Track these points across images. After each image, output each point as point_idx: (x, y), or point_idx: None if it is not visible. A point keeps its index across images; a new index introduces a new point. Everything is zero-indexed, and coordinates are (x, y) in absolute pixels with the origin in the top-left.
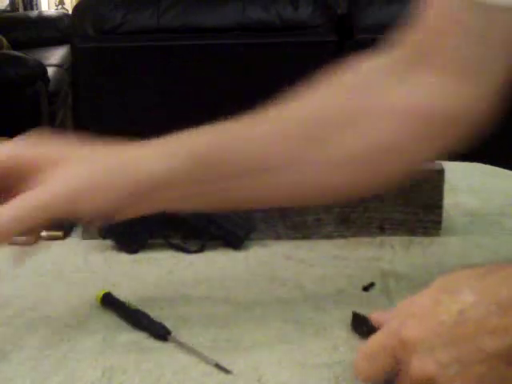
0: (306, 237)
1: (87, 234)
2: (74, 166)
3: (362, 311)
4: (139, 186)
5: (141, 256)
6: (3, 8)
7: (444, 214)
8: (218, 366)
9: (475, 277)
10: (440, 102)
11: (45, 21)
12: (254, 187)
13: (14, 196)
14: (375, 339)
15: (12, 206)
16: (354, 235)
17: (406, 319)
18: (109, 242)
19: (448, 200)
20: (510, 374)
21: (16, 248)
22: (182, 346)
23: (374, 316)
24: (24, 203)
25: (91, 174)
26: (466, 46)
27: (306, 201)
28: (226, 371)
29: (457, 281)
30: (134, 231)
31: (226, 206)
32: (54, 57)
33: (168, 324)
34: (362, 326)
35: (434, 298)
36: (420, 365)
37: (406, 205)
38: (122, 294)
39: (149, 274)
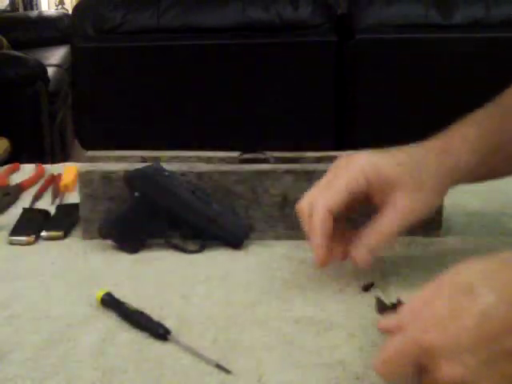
0: (306, 237)
1: (87, 234)
2: (409, 197)
3: (362, 311)
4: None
5: (141, 256)
6: (3, 8)
7: (444, 214)
8: (218, 366)
9: (489, 273)
10: None
11: (45, 21)
12: None
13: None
14: (396, 345)
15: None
16: None
17: (427, 326)
18: (109, 242)
19: (448, 200)
20: None
21: (16, 248)
22: (182, 345)
23: (383, 323)
24: (380, 232)
25: (422, 210)
26: None
27: None
28: (226, 371)
29: (470, 278)
30: (134, 231)
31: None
32: (54, 57)
33: (168, 324)
34: (386, 310)
35: (453, 302)
36: (448, 370)
37: None
38: (122, 294)
39: (149, 273)
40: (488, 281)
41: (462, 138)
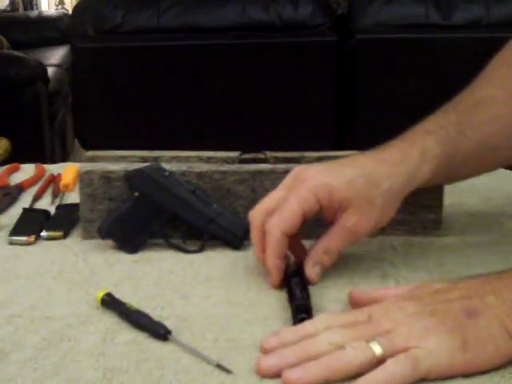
0: (306, 237)
1: (87, 234)
2: (357, 216)
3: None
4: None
5: (141, 256)
6: (3, 8)
7: (444, 214)
8: (219, 366)
9: None
10: None
11: (45, 21)
12: (481, 163)
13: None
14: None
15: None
16: None
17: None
18: (109, 242)
19: (448, 200)
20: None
21: (16, 248)
22: (182, 346)
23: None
24: (325, 249)
25: (369, 228)
26: None
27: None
28: (227, 371)
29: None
30: (134, 231)
31: (463, 179)
32: (54, 57)
33: (168, 324)
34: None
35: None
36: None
37: (406, 205)
38: (122, 294)
39: (149, 274)
40: None
41: (420, 147)
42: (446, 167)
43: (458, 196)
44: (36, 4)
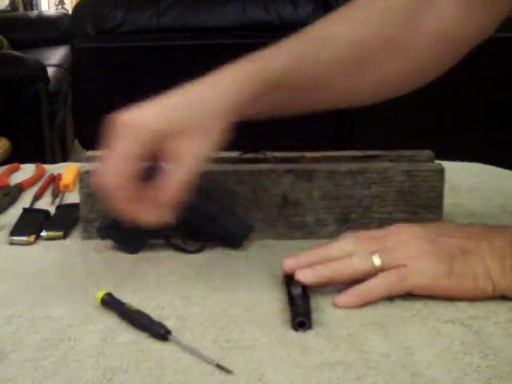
0: (305, 237)
1: (87, 234)
2: (195, 139)
3: (363, 311)
4: (230, 117)
5: (141, 256)
6: (3, 8)
7: (444, 214)
8: (219, 366)
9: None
10: (458, 26)
11: (45, 21)
12: (314, 99)
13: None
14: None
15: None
16: None
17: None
18: (109, 242)
19: (448, 200)
20: None
21: (16, 248)
22: (182, 346)
23: None
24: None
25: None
26: None
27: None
28: (227, 371)
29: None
30: (134, 231)
31: (290, 113)
32: (54, 57)
33: (168, 324)
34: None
35: None
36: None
37: (406, 205)
38: (122, 294)
39: (149, 274)
40: None
41: (244, 73)
42: (272, 96)
43: (458, 196)
44: (36, 4)
